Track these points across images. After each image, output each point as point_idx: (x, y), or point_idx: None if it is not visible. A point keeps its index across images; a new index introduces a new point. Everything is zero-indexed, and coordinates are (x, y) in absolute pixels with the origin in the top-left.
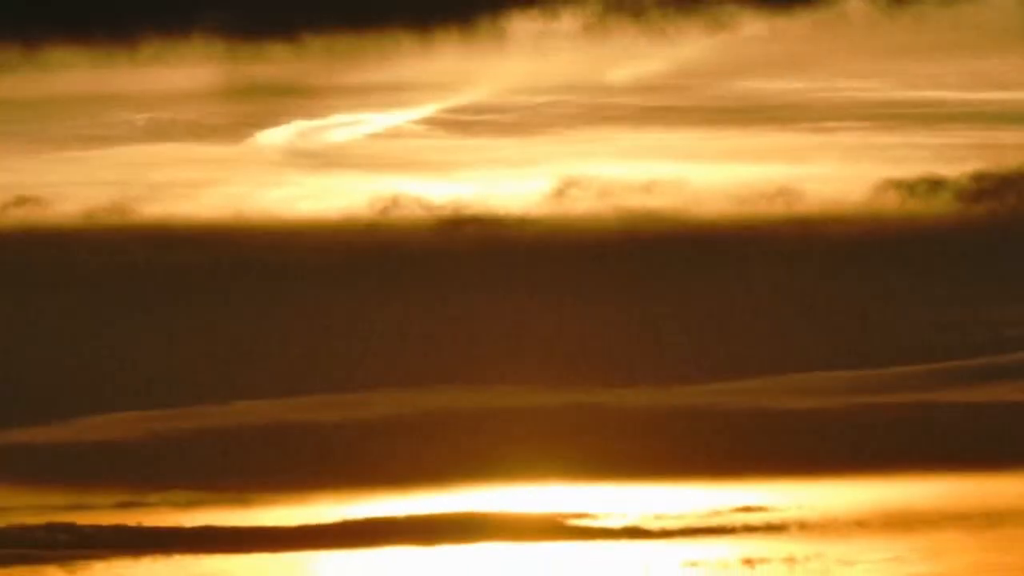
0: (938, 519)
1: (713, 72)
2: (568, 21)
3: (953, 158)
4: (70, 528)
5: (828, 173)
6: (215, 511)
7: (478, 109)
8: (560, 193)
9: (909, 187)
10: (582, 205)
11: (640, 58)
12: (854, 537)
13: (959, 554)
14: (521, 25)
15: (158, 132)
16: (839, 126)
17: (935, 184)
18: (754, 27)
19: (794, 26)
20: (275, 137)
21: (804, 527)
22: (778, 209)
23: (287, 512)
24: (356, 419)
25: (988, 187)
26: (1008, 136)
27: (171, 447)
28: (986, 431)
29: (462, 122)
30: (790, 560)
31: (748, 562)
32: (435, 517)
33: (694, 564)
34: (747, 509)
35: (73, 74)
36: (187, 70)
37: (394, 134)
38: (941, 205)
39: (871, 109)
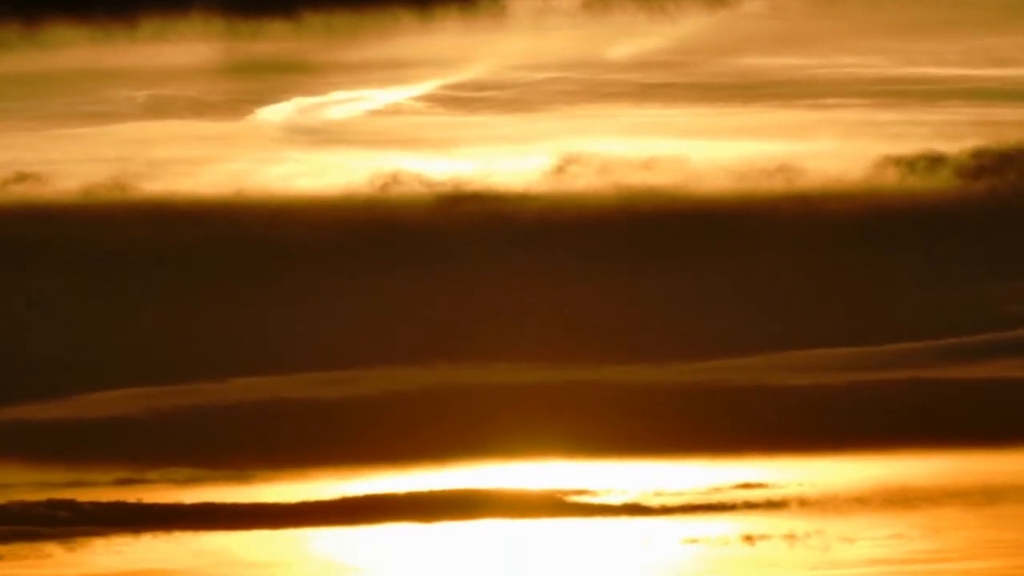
0: (938, 496)
1: (713, 49)
2: None
3: (953, 135)
4: (70, 505)
5: (828, 150)
6: (215, 488)
7: (478, 86)
8: (560, 170)
9: (909, 164)
10: (582, 182)
11: (640, 35)
12: (854, 514)
13: (959, 531)
14: (521, 2)
15: (158, 109)
16: (839, 103)
17: (935, 161)
18: (754, 3)
19: (794, 2)
20: (275, 114)
21: (804, 504)
22: (778, 186)
23: (287, 489)
24: (356, 396)
25: (988, 164)
26: (1008, 113)
27: (171, 424)
28: (986, 408)
29: (462, 99)
30: (790, 537)
31: (748, 539)
32: (435, 494)
33: (694, 541)
34: (747, 486)
35: (73, 51)
36: (187, 47)
37: (394, 111)
38: (941, 182)
39: (871, 86)
